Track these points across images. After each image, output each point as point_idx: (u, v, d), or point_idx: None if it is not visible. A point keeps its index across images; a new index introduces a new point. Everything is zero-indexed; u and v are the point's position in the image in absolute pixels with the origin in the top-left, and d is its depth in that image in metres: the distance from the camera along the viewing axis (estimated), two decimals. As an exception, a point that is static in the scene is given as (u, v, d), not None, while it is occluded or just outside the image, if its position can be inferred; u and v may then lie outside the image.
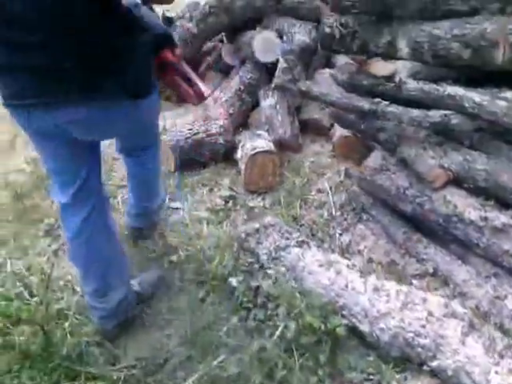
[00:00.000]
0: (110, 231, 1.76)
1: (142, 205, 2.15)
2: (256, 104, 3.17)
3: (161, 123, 3.22)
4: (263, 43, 3.08)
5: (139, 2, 1.65)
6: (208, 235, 2.27)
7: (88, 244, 1.70)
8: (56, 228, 2.40)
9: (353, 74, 2.19)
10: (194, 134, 2.73)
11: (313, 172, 2.75)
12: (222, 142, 2.76)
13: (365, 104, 2.02)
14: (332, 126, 2.96)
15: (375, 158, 2.16)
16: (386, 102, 1.99)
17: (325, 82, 3.08)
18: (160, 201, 2.23)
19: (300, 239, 2.00)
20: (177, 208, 2.53)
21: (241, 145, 2.73)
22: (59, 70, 1.37)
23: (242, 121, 3.15)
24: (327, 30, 2.13)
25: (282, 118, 2.90)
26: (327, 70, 3.17)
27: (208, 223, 2.38)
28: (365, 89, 2.16)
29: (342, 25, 2.08)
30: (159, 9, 4.69)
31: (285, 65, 2.87)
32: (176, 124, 3.30)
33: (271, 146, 2.64)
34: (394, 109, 1.97)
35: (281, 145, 2.84)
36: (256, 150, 2.56)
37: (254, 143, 2.65)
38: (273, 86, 2.93)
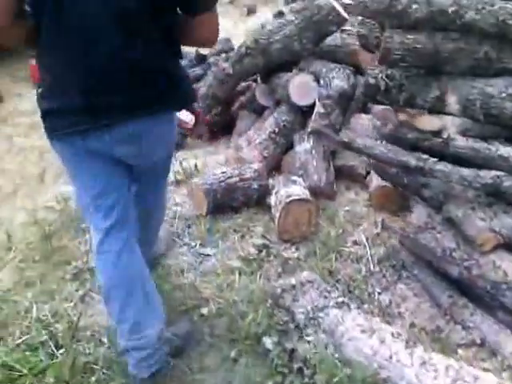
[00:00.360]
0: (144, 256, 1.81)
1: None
2: (290, 147, 3.12)
3: (192, 161, 3.25)
4: (300, 86, 3.06)
5: None
6: (240, 287, 2.20)
7: (128, 269, 1.73)
8: (84, 271, 2.35)
9: (396, 126, 2.13)
10: (228, 178, 2.68)
11: (348, 222, 2.67)
12: (255, 186, 2.71)
13: (411, 160, 1.96)
14: (368, 173, 2.89)
15: (419, 215, 2.08)
16: (434, 159, 1.93)
17: (362, 129, 3.04)
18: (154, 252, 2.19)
19: (339, 300, 1.91)
20: (208, 255, 2.47)
21: (274, 191, 2.68)
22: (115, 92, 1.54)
23: (276, 164, 3.10)
24: (372, 80, 2.09)
25: (317, 164, 2.84)
26: (364, 116, 3.12)
27: (240, 273, 2.31)
28: (409, 142, 2.10)
29: (387, 76, 2.04)
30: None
31: (322, 110, 2.83)
32: (207, 163, 3.29)
33: (307, 194, 2.58)
34: (442, 167, 1.90)
35: (315, 192, 2.77)
36: (291, 198, 2.50)
37: (288, 190, 2.60)
38: (309, 130, 2.89)
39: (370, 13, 1.91)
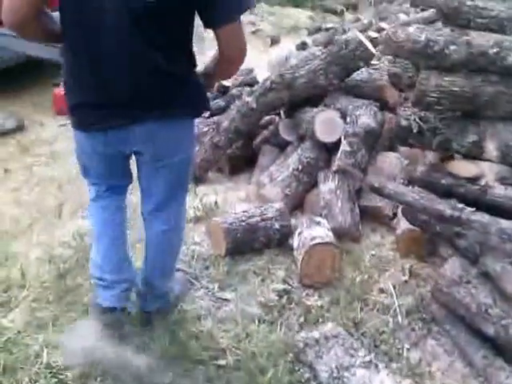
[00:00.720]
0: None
1: (152, 282, 2.07)
2: (314, 185, 3.04)
3: (212, 197, 3.18)
4: (325, 122, 2.99)
5: None
6: (260, 338, 2.09)
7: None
8: (97, 314, 2.26)
9: (429, 170, 2.03)
10: (249, 218, 2.60)
11: (374, 267, 2.56)
12: (277, 227, 2.62)
13: (446, 209, 1.85)
14: (395, 215, 2.78)
15: (452, 267, 1.96)
16: (471, 209, 1.82)
17: (389, 167, 2.95)
18: (172, 287, 2.17)
19: (367, 358, 1.79)
20: (226, 299, 2.37)
21: (297, 232, 2.58)
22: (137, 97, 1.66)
23: (299, 203, 3.01)
24: (404, 122, 2.00)
25: (342, 205, 2.75)
26: (391, 154, 3.03)
27: (260, 321, 2.20)
28: (442, 188, 1.99)
29: (421, 119, 1.95)
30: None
31: (347, 148, 2.75)
32: (227, 199, 3.22)
33: (331, 237, 2.48)
34: (480, 217, 1.79)
35: (339, 234, 2.67)
36: (315, 242, 2.40)
37: (312, 232, 2.50)
38: (333, 169, 2.80)
39: (404, 53, 1.84)
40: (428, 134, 1.91)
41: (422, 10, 5.12)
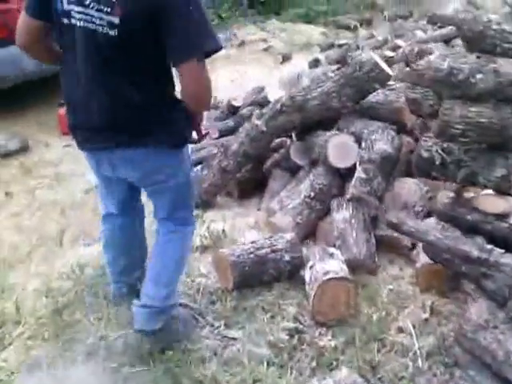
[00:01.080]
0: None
1: (147, 291, 2.13)
2: (326, 212, 2.92)
3: (220, 224, 3.07)
4: (339, 147, 2.89)
5: None
6: (269, 383, 1.96)
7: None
8: (96, 353, 2.16)
9: (453, 204, 1.90)
10: (258, 249, 2.49)
11: (391, 303, 2.42)
12: (288, 259, 2.50)
13: (473, 250, 1.72)
14: (414, 246, 2.65)
15: (478, 310, 1.83)
16: (501, 251, 1.70)
17: (408, 194, 2.82)
18: (169, 300, 2.14)
19: (385, 412, 1.65)
20: (233, 338, 2.25)
21: (309, 264, 2.46)
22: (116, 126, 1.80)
23: (310, 231, 2.89)
24: (425, 153, 1.89)
25: (357, 235, 2.63)
26: (409, 180, 2.90)
27: (268, 364, 2.08)
28: (467, 224, 1.87)
29: (444, 150, 1.83)
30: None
31: (363, 175, 2.64)
32: (236, 226, 3.11)
33: (346, 271, 2.36)
34: (510, 260, 1.66)
35: (354, 266, 2.54)
36: (328, 277, 2.28)
37: (325, 265, 2.38)
38: (348, 197, 2.69)
39: (425, 81, 1.73)
40: (452, 166, 1.79)
41: (440, 27, 5.02)
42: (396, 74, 3.15)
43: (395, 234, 2.74)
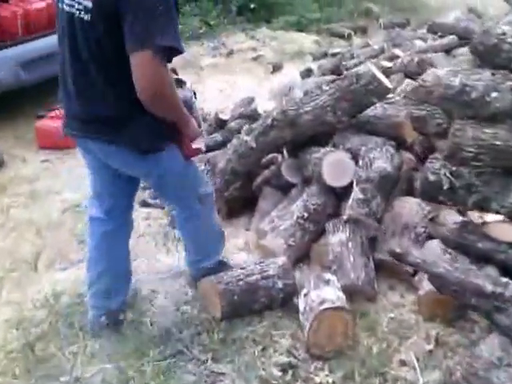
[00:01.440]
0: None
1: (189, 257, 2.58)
2: (321, 233, 2.83)
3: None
4: (334, 165, 2.81)
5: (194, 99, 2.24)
6: (260, 426, 1.85)
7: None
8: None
9: (461, 230, 1.82)
10: (248, 276, 2.40)
11: (393, 333, 2.34)
12: (280, 286, 2.41)
13: (487, 283, 1.63)
14: (416, 272, 2.56)
15: (490, 347, 1.74)
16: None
17: (409, 215, 2.74)
18: (210, 263, 2.50)
19: None
20: (221, 373, 2.14)
21: (304, 292, 2.37)
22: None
23: (304, 254, 2.80)
24: (432, 177, 1.81)
25: (355, 259, 2.54)
26: (411, 199, 2.82)
27: (260, 404, 1.97)
28: (478, 253, 1.78)
29: (452, 173, 1.74)
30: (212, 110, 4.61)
31: (360, 195, 2.56)
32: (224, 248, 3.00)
33: (343, 300, 2.27)
34: (524, 294, 1.57)
35: (352, 292, 2.45)
36: (324, 306, 2.19)
37: (320, 293, 2.29)
38: (344, 218, 2.60)
39: (434, 99, 1.65)
40: (462, 191, 1.71)
41: (440, 36, 4.98)
42: (395, 86, 3.09)
43: (395, 258, 2.67)
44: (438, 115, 2.16)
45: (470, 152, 1.61)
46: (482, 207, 1.70)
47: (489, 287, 1.64)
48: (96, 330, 2.30)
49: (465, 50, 4.66)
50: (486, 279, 1.65)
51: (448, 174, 1.74)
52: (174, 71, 2.51)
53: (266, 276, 2.41)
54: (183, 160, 2.13)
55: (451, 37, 4.84)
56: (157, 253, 2.96)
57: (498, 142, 1.57)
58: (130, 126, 1.87)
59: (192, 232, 2.46)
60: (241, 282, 2.38)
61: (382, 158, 2.66)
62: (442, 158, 1.78)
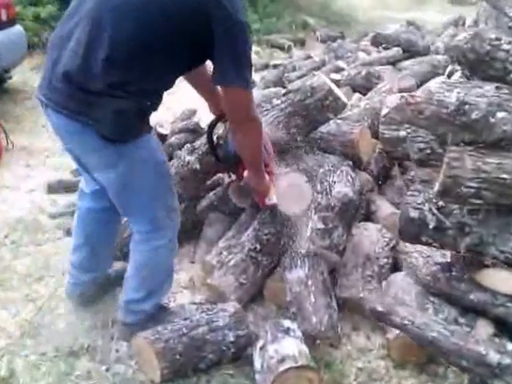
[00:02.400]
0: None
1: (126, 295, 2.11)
2: (275, 266, 2.39)
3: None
4: (288, 189, 2.36)
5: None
6: None
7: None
8: None
9: (449, 278, 1.43)
10: (192, 329, 1.92)
11: (363, 386, 1.93)
12: (231, 339, 1.95)
13: (490, 351, 1.25)
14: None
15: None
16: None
17: (369, 245, 2.36)
18: (150, 306, 2.06)
19: None
20: None
21: (259, 344, 1.93)
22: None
23: (257, 291, 2.35)
24: (413, 213, 1.41)
25: (316, 300, 2.13)
26: (370, 225, 2.45)
27: None
28: (470, 305, 1.40)
29: (440, 209, 1.35)
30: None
31: (321, 225, 2.13)
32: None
33: (306, 355, 1.85)
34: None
35: (314, 338, 2.04)
36: (285, 367, 1.75)
37: (279, 347, 1.86)
38: (303, 252, 2.18)
39: (424, 120, 1.25)
40: (452, 231, 1.33)
41: (385, 48, 4.68)
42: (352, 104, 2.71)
43: (360, 295, 2.27)
44: (420, 138, 1.78)
45: (470, 187, 1.24)
46: (477, 251, 1.33)
47: (494, 357, 1.26)
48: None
49: (409, 62, 4.42)
50: (489, 346, 1.27)
51: (435, 211, 1.36)
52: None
53: (215, 328, 1.94)
54: (158, 161, 1.90)
55: (396, 49, 4.56)
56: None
57: (504, 176, 1.19)
58: (102, 105, 1.68)
59: (142, 258, 2.01)
60: (184, 338, 1.89)
61: (342, 182, 2.26)
62: (424, 189, 1.41)
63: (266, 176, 2.13)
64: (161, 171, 1.92)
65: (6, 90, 5.17)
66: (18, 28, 4.90)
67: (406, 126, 2.00)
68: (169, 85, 1.82)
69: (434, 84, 1.27)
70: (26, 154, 4.12)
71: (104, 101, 1.66)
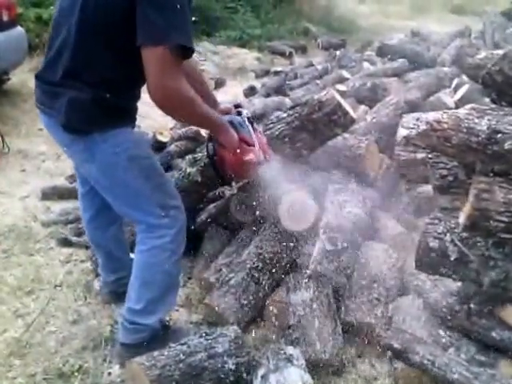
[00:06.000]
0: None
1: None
2: (276, 285, 2.28)
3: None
4: (293, 206, 2.25)
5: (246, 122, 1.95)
6: None
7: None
8: None
9: (468, 313, 1.32)
10: (190, 355, 1.80)
11: (369, 422, 1.81)
12: (231, 366, 1.82)
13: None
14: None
15: None
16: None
17: (377, 265, 2.25)
18: (152, 321, 1.94)
19: None
20: None
21: (261, 373, 1.82)
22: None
23: (258, 312, 2.23)
24: (433, 243, 1.29)
25: (321, 325, 2.02)
26: (375, 245, 2.34)
27: None
28: (492, 342, 1.28)
29: (462, 240, 1.24)
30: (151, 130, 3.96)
31: (329, 246, 2.02)
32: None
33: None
34: None
35: (317, 365, 1.92)
36: (289, 400, 1.62)
37: (281, 377, 1.75)
38: (308, 273, 2.06)
39: (450, 148, 1.15)
40: (475, 264, 1.22)
41: (390, 59, 4.58)
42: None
43: (366, 319, 2.15)
44: (442, 164, 1.67)
45: (500, 221, 1.13)
46: (502, 287, 1.23)
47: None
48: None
49: (415, 74, 4.32)
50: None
51: (457, 242, 1.25)
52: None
53: (214, 354, 1.82)
54: (136, 156, 1.77)
55: (401, 60, 4.45)
56: (75, 311, 2.30)
57: (538, 209, 1.09)
58: (60, 95, 1.67)
59: (140, 258, 1.90)
60: (181, 365, 1.76)
61: (352, 202, 2.14)
62: (445, 218, 1.30)
63: (231, 132, 1.86)
64: (144, 167, 1.80)
65: (4, 92, 5.04)
66: (18, 29, 4.78)
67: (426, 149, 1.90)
68: (126, 77, 1.69)
69: (462, 110, 1.16)
70: (21, 157, 4.00)
71: (61, 90, 1.68)
